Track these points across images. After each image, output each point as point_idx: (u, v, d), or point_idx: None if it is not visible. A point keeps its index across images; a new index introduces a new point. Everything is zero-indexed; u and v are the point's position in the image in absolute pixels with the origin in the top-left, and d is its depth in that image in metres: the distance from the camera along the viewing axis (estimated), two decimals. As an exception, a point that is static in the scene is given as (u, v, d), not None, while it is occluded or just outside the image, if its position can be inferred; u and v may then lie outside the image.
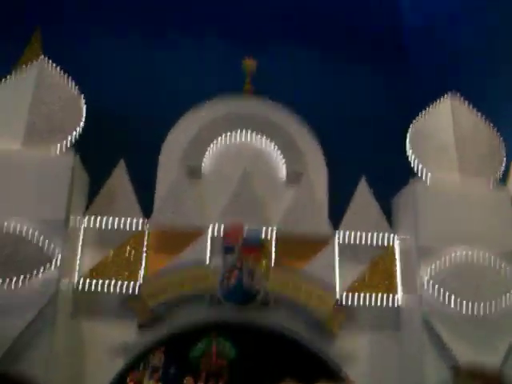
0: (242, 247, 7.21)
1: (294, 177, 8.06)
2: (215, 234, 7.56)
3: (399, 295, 7.53)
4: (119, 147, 8.20)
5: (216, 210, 7.73)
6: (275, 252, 7.59)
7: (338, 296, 7.36)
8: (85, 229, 7.60)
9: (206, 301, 7.25)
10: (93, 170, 7.91)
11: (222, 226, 7.46)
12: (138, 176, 8.00)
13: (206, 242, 7.57)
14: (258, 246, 7.27)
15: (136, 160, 8.09)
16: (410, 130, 7.77)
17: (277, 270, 7.38)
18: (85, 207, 7.71)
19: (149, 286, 7.22)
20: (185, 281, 7.23)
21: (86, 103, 7.71)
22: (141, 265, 7.47)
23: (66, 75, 7.67)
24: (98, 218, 7.63)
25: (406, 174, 7.69)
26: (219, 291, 7.17)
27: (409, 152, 7.66)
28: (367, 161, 8.30)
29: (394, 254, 7.72)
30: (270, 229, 7.67)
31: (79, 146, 7.79)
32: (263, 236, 7.52)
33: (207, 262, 7.46)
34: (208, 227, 7.62)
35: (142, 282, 7.28)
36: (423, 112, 7.92)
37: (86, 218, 7.61)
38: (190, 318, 7.33)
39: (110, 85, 8.66)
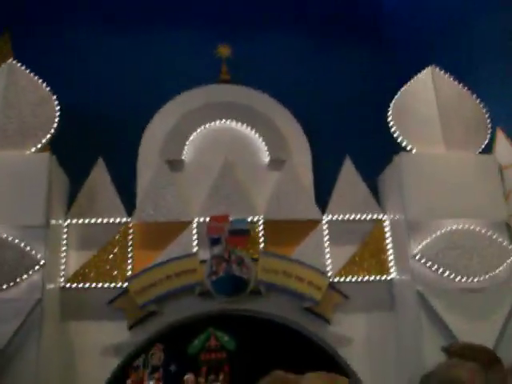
0: (228, 237, 7.10)
1: (278, 163, 7.94)
2: (200, 226, 7.43)
3: (392, 274, 7.42)
4: (97, 146, 8.08)
5: (199, 202, 7.62)
6: (263, 240, 7.48)
7: (329, 279, 7.23)
8: (67, 231, 7.49)
9: (197, 294, 7.13)
10: (72, 171, 7.79)
11: (207, 218, 7.32)
12: (118, 174, 7.87)
13: (192, 235, 7.46)
14: (244, 235, 7.16)
15: (115, 158, 7.98)
16: (391, 105, 7.64)
17: (266, 258, 7.26)
18: (66, 209, 7.60)
19: (136, 284, 7.11)
20: (173, 275, 7.11)
21: (59, 103, 7.60)
22: (127, 263, 7.37)
23: (37, 77, 7.53)
24: (80, 219, 7.51)
25: (391, 152, 7.57)
26: (208, 284, 7.07)
27: (392, 128, 7.52)
28: (351, 142, 8.18)
29: (383, 233, 7.61)
30: (256, 217, 7.55)
31: (55, 147, 7.67)
32: (249, 224, 7.38)
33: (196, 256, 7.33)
34: (192, 220, 7.51)
35: (128, 280, 7.15)
36: (404, 87, 7.80)
37: (68, 220, 7.48)
38: (181, 312, 7.23)
39: (84, 83, 8.55)
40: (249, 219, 7.46)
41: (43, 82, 7.51)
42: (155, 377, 11.66)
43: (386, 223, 7.63)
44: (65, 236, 7.45)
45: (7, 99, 7.29)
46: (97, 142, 8.17)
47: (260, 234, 7.51)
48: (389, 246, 7.53)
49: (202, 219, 7.49)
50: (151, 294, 7.08)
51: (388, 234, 7.58)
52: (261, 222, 7.55)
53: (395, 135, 7.50)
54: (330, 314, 7.16)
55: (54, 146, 7.63)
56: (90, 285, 7.27)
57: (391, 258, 7.48)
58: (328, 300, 7.16)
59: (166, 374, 11.46)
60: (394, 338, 7.20)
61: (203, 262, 7.20)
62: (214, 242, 7.10)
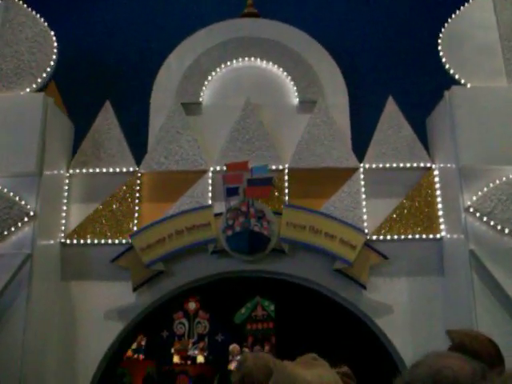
0: (247, 187, 6.35)
1: (308, 105, 7.10)
2: (217, 176, 6.72)
3: (441, 231, 6.49)
4: (106, 90, 7.50)
5: (217, 149, 6.90)
6: (288, 191, 6.69)
7: (366, 237, 6.38)
8: (70, 182, 6.94)
9: (210, 252, 6.44)
10: (79, 117, 7.26)
11: (224, 166, 6.59)
12: (127, 120, 7.28)
13: (207, 185, 6.76)
14: (266, 184, 6.38)
15: (125, 102, 7.41)
16: (442, 33, 6.66)
17: (291, 211, 6.47)
18: (70, 158, 7.04)
19: (142, 240, 6.48)
20: (184, 230, 6.44)
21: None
22: (134, 217, 6.75)
23: (34, 12, 6.98)
24: (84, 169, 6.94)
25: (442, 89, 6.60)
26: (223, 240, 6.36)
27: (442, 59, 6.54)
28: (394, 81, 7.31)
29: (432, 183, 6.67)
30: (280, 165, 6.76)
31: (63, 93, 7.17)
32: (272, 172, 6.60)
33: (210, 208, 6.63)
34: (208, 169, 6.80)
35: (133, 235, 6.53)
36: (458, 11, 6.78)
37: (71, 170, 6.93)
38: (192, 273, 6.56)
39: (92, 22, 7.96)
40: (273, 167, 6.68)
41: (49, 23, 6.94)
42: (199, 346, 11.36)
43: (435, 172, 6.69)
44: (66, 187, 6.90)
45: (3, 37, 6.82)
46: (106, 85, 7.60)
47: (285, 185, 6.71)
48: (438, 199, 6.59)
49: (218, 168, 6.76)
50: (158, 251, 6.43)
51: (437, 185, 6.64)
52: (286, 171, 6.75)
53: (446, 67, 6.51)
54: (366, 278, 6.32)
55: (61, 91, 7.12)
56: (93, 241, 6.70)
57: (440, 212, 6.54)
58: (363, 261, 6.32)
59: (212, 343, 11.16)
60: (442, 307, 6.29)
61: (218, 215, 6.49)
62: (231, 192, 6.37)
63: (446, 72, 6.55)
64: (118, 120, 7.10)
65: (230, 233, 6.27)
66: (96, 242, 6.70)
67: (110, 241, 6.68)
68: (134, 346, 10.70)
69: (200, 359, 11.17)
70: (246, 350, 10.97)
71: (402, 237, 6.50)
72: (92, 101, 7.23)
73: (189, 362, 11.02)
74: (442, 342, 5.73)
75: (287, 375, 1.63)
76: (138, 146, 7.08)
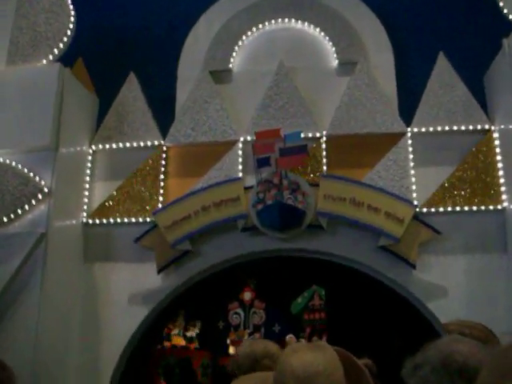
0: (279, 158, 5.78)
1: (349, 67, 6.46)
2: (248, 146, 6.18)
3: (503, 202, 5.72)
4: (133, 64, 7.07)
5: (248, 118, 6.36)
6: (326, 160, 6.08)
7: (415, 209, 5.69)
8: (93, 159, 6.57)
9: (240, 229, 5.91)
10: (106, 94, 6.89)
11: (254, 133, 6.05)
12: (155, 94, 6.84)
13: (237, 157, 6.23)
14: (301, 153, 5.79)
15: (150, 73, 6.96)
16: (499, -25, 5.87)
17: (329, 183, 5.86)
18: (94, 134, 6.68)
19: (166, 217, 6.02)
20: (211, 206, 5.94)
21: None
22: (159, 194, 6.31)
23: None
24: (107, 144, 6.55)
25: (500, 38, 5.83)
26: (253, 215, 5.82)
27: (500, 3, 5.77)
28: (446, 36, 6.52)
29: (491, 148, 5.90)
30: (317, 133, 6.16)
31: (89, 67, 6.82)
32: (308, 141, 6.00)
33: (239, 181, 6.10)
34: (238, 140, 6.28)
35: (157, 212, 6.09)
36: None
37: (93, 146, 6.56)
38: (222, 252, 6.05)
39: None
40: (309, 135, 6.08)
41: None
42: (255, 337, 11.02)
43: (495, 135, 5.92)
44: (89, 164, 6.53)
45: (20, 9, 6.52)
46: (133, 58, 7.17)
47: (322, 154, 6.10)
48: (499, 165, 5.82)
49: (249, 138, 6.22)
50: (184, 229, 5.96)
51: (497, 149, 5.86)
52: (324, 139, 6.14)
53: (504, 12, 5.73)
54: (416, 256, 5.62)
55: (88, 67, 6.78)
56: (116, 220, 6.30)
57: (502, 180, 5.77)
58: (412, 237, 5.63)
59: (268, 333, 10.81)
60: (505, 288, 5.53)
61: (249, 189, 5.96)
62: (262, 163, 5.82)
63: (505, 18, 5.76)
64: (143, 93, 6.68)
65: (260, 207, 5.72)
66: (120, 221, 6.30)
67: (134, 220, 6.27)
68: (189, 334, 10.48)
69: None
70: (303, 340, 10.62)
71: (458, 209, 5.77)
72: (119, 75, 6.82)
73: None
74: (505, 328, 5.04)
75: (279, 362, 1.57)
76: (165, 120, 6.64)
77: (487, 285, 5.59)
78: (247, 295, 11.13)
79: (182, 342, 9.94)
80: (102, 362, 5.99)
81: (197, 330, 10.88)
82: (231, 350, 10.74)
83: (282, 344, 10.36)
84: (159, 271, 5.99)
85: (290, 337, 10.56)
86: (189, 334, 10.59)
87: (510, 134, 5.69)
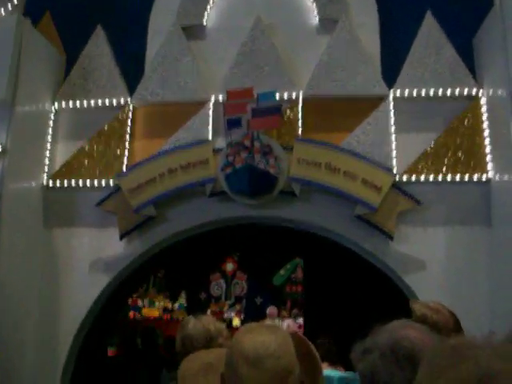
0: (251, 118, 5.40)
1: (330, 24, 6.04)
2: (219, 106, 5.79)
3: (488, 172, 5.38)
4: (102, 17, 6.61)
5: (221, 77, 5.96)
6: (302, 123, 5.71)
7: (394, 177, 5.36)
8: (55, 118, 6.17)
9: (208, 194, 5.56)
10: (75, 51, 6.44)
11: (225, 92, 5.65)
12: (125, 50, 6.42)
13: (207, 118, 5.85)
14: (273, 114, 5.42)
15: (118, 27, 6.51)
16: None
17: (303, 146, 5.50)
18: (56, 92, 6.26)
19: (129, 180, 5.66)
20: (177, 168, 5.58)
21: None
22: (124, 156, 5.93)
23: None
24: (70, 102, 6.14)
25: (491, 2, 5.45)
26: (222, 179, 5.47)
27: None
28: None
29: (478, 115, 5.54)
30: (293, 93, 5.77)
31: (55, 18, 6.39)
32: (283, 102, 5.63)
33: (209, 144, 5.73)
34: (209, 99, 5.89)
35: (120, 175, 5.72)
36: None
37: (56, 103, 6.15)
38: (188, 219, 5.70)
39: None
40: (285, 96, 5.70)
41: None
42: (236, 308, 10.87)
43: (483, 100, 5.55)
44: (51, 123, 6.13)
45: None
46: (100, 8, 6.69)
47: (298, 116, 5.72)
48: (485, 133, 5.47)
49: (221, 98, 5.83)
50: (148, 193, 5.60)
51: (484, 116, 5.50)
52: (300, 99, 5.75)
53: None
54: (393, 227, 5.30)
55: (55, 18, 6.36)
56: (78, 183, 5.93)
57: (488, 149, 5.42)
58: (391, 206, 5.31)
59: (249, 305, 10.65)
60: (487, 264, 5.22)
61: (218, 151, 5.59)
62: (233, 124, 5.44)
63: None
64: (111, 48, 6.26)
65: (229, 171, 5.36)
66: (82, 184, 5.93)
67: (97, 183, 5.90)
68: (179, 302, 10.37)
69: (236, 322, 10.80)
70: (285, 313, 10.51)
71: (440, 178, 5.43)
72: (88, 29, 6.38)
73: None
74: (486, 305, 4.74)
75: (232, 341, 1.56)
76: (135, 77, 6.21)
77: (468, 259, 5.29)
78: (229, 266, 10.97)
79: (154, 312, 9.74)
80: (61, 331, 5.70)
81: (182, 301, 10.74)
82: None
83: (265, 316, 10.30)
84: (121, 237, 5.66)
85: (271, 309, 10.43)
86: (170, 304, 10.45)
87: (498, 101, 5.32)
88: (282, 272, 10.51)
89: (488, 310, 5.08)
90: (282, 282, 10.64)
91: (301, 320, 9.12)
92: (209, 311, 10.75)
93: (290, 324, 9.86)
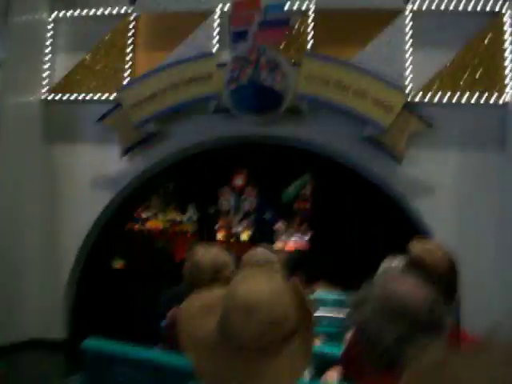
0: (258, 30, 5.10)
1: None
2: (225, 17, 5.48)
3: (507, 94, 5.10)
4: None
5: (228, -15, 5.61)
6: (312, 37, 5.40)
7: (407, 97, 5.09)
8: (54, 28, 5.89)
9: (211, 111, 5.34)
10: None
11: (231, 3, 5.33)
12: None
13: (212, 29, 5.55)
14: (282, 26, 5.13)
15: None
16: None
17: (312, 62, 5.22)
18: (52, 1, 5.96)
19: (131, 95, 5.45)
20: (180, 83, 5.34)
21: None
22: (125, 69, 5.69)
23: None
24: (69, 11, 5.85)
25: None
26: (226, 95, 5.23)
27: None
28: None
29: (499, 34, 5.19)
30: (304, 5, 5.43)
31: None
32: (292, 15, 5.30)
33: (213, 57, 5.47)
34: (215, 9, 5.57)
35: (122, 89, 5.51)
36: None
37: (54, 13, 5.86)
38: (191, 136, 5.53)
39: None
40: (294, 8, 5.37)
41: None
42: (244, 224, 10.86)
43: (506, 19, 5.19)
44: (49, 34, 5.87)
45: None
46: None
47: (308, 29, 5.41)
48: (506, 54, 5.14)
49: (227, 8, 5.50)
50: (150, 108, 5.40)
51: (507, 36, 5.16)
52: (311, 12, 5.42)
53: None
54: (403, 149, 5.08)
55: None
56: (78, 97, 5.74)
57: (508, 70, 5.11)
58: (401, 128, 5.07)
59: (258, 221, 10.66)
60: (499, 190, 5.02)
61: (223, 66, 5.32)
62: (239, 36, 5.16)
63: None
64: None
65: (233, 86, 5.11)
66: (82, 97, 5.74)
67: (98, 97, 5.70)
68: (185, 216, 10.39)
69: (244, 237, 10.76)
70: (292, 229, 10.49)
71: (455, 99, 5.16)
72: None
73: (232, 240, 10.60)
74: (495, 233, 4.59)
75: (228, 287, 1.57)
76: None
77: (479, 185, 5.09)
78: (238, 181, 10.86)
79: (158, 224, 9.76)
80: (64, 248, 5.68)
81: (190, 214, 10.72)
82: (219, 236, 10.66)
83: (272, 232, 10.33)
84: (122, 154, 5.50)
85: (279, 225, 10.43)
86: (179, 217, 10.45)
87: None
88: (291, 188, 10.45)
89: (495, 239, 4.94)
90: (291, 199, 10.58)
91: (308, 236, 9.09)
92: (217, 225, 10.74)
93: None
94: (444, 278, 2.12)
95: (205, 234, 10.68)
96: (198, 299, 1.86)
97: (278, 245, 10.56)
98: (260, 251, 3.43)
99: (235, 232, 11.00)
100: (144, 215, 9.67)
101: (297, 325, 1.50)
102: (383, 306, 1.38)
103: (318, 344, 3.14)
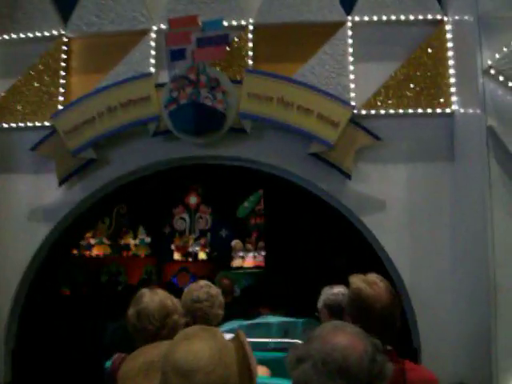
0: (196, 49, 4.92)
1: None
2: (162, 36, 5.27)
3: (452, 104, 5.03)
4: None
5: (163, 2, 5.43)
6: (253, 54, 5.24)
7: (352, 110, 4.97)
8: (-17, 53, 5.59)
9: (151, 134, 5.12)
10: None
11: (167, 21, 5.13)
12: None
13: (149, 50, 5.34)
14: (220, 44, 4.93)
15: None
16: None
17: (254, 79, 5.06)
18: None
19: (67, 121, 5.18)
20: (117, 106, 5.11)
21: None
22: (59, 93, 5.42)
23: None
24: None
25: None
26: (165, 117, 5.02)
27: None
28: None
29: (442, 42, 5.13)
30: (243, 20, 5.28)
31: None
32: (231, 30, 5.14)
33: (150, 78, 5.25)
34: (151, 28, 5.37)
35: (55, 115, 5.24)
36: None
37: (-17, 36, 5.56)
38: (132, 161, 5.29)
39: None
40: (233, 23, 5.21)
41: None
42: (201, 242, 10.73)
43: (447, 27, 5.13)
44: (-23, 59, 5.55)
45: None
46: None
47: (248, 46, 5.25)
48: (450, 62, 5.08)
49: (164, 26, 5.31)
50: (87, 134, 5.15)
51: (449, 44, 5.10)
52: (251, 28, 5.27)
53: None
54: (351, 164, 4.95)
55: None
56: (10, 124, 5.44)
57: (452, 79, 5.05)
58: (348, 143, 4.94)
59: (214, 239, 10.53)
60: (450, 201, 4.93)
61: (161, 86, 5.11)
62: (176, 56, 4.96)
63: None
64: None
65: (173, 107, 4.91)
66: (15, 125, 5.42)
67: (31, 124, 5.41)
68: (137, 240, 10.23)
69: (202, 256, 10.68)
70: (250, 245, 10.44)
71: (401, 111, 5.06)
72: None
73: (190, 259, 10.49)
74: (448, 247, 4.48)
75: (168, 347, 1.53)
76: (68, 5, 5.62)
77: (431, 197, 4.99)
78: (193, 199, 10.74)
79: (103, 250, 9.57)
80: (0, 287, 5.32)
81: (143, 237, 10.59)
82: (176, 256, 10.49)
83: (230, 249, 10.18)
84: (60, 183, 5.22)
85: (236, 242, 10.34)
86: (124, 240, 10.32)
87: (464, 27, 4.91)
88: (245, 204, 10.38)
89: (450, 251, 4.84)
90: (247, 214, 10.52)
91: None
92: (173, 245, 10.60)
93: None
94: (386, 310, 2.18)
95: (161, 255, 10.51)
96: (143, 355, 1.82)
97: (236, 262, 10.44)
98: (202, 285, 3.27)
99: (192, 251, 10.86)
100: (91, 241, 9.45)
101: (241, 382, 1.48)
102: (323, 363, 1.36)
103: (267, 374, 3.02)
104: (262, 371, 2.52)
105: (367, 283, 2.26)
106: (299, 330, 3.72)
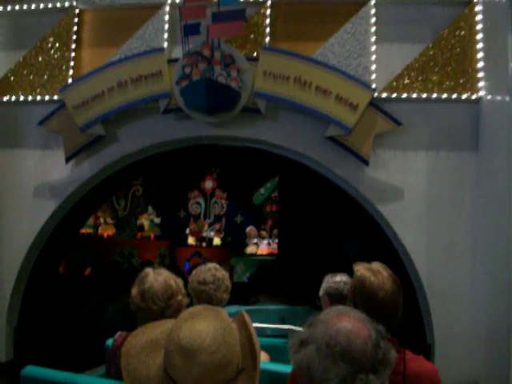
0: (211, 24, 4.70)
1: None
2: (175, 11, 5.06)
3: (480, 90, 4.75)
4: None
5: (179, -24, 5.21)
6: (270, 30, 5.01)
7: (373, 94, 4.72)
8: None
9: (162, 111, 4.93)
10: None
11: (182, -5, 4.91)
12: None
13: (163, 24, 5.14)
14: (236, 20, 4.70)
15: None
16: None
17: (270, 57, 4.83)
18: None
19: (75, 96, 5.01)
20: (127, 82, 4.93)
21: None
22: (69, 67, 5.25)
23: None
24: (9, 5, 5.40)
25: None
26: (177, 93, 4.83)
27: None
28: None
29: (472, 25, 4.84)
30: (260, -4, 5.05)
31: None
32: (248, 6, 4.91)
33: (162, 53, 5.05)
34: (165, 2, 5.16)
35: (64, 89, 5.07)
36: None
37: (-6, 6, 5.40)
38: (141, 139, 5.11)
39: None
40: (249, -3, 4.99)
41: None
42: (216, 228, 10.64)
43: (478, 8, 4.84)
44: (-13, 29, 5.39)
45: None
46: None
47: (266, 22, 5.01)
48: (479, 45, 4.79)
49: (178, 0, 5.10)
50: (96, 110, 4.97)
51: (479, 26, 4.81)
52: (269, 3, 5.03)
53: None
54: (369, 150, 4.71)
55: None
56: (18, 98, 5.29)
57: (481, 64, 4.76)
58: (367, 127, 4.70)
59: (229, 224, 10.43)
60: (471, 194, 4.67)
61: (174, 62, 4.91)
62: (191, 30, 4.74)
63: None
64: None
65: (184, 84, 4.71)
66: (23, 99, 5.28)
67: (40, 97, 5.25)
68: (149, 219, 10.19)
69: (216, 241, 10.61)
70: (264, 233, 10.35)
71: (424, 96, 4.80)
72: None
73: (204, 244, 10.41)
74: (468, 241, 4.23)
75: (172, 326, 1.54)
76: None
77: (452, 188, 4.73)
78: (208, 184, 10.62)
79: (108, 230, 9.47)
80: (4, 264, 5.21)
81: (152, 217, 10.52)
82: (190, 241, 10.41)
83: (244, 236, 10.04)
84: (67, 160, 5.07)
85: (250, 228, 10.24)
86: (139, 221, 10.29)
87: (496, 8, 4.62)
88: (262, 191, 10.23)
89: (470, 245, 4.59)
90: (262, 201, 10.39)
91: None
92: (187, 230, 10.52)
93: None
94: (388, 298, 2.18)
95: (174, 238, 10.40)
96: (146, 333, 1.80)
97: (250, 248, 10.30)
98: (210, 267, 3.21)
99: (206, 236, 10.75)
100: (98, 221, 9.36)
101: (243, 362, 1.49)
102: (327, 347, 1.35)
103: (266, 360, 2.96)
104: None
105: (371, 271, 2.27)
106: (298, 317, 3.63)
